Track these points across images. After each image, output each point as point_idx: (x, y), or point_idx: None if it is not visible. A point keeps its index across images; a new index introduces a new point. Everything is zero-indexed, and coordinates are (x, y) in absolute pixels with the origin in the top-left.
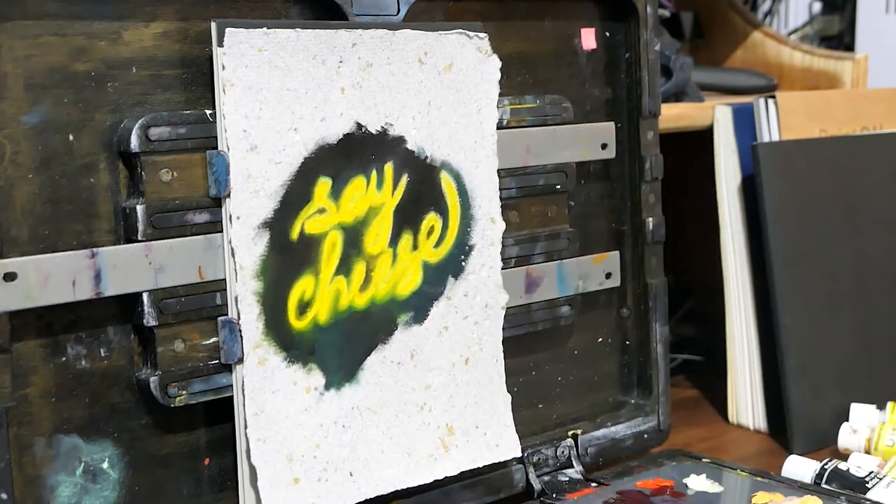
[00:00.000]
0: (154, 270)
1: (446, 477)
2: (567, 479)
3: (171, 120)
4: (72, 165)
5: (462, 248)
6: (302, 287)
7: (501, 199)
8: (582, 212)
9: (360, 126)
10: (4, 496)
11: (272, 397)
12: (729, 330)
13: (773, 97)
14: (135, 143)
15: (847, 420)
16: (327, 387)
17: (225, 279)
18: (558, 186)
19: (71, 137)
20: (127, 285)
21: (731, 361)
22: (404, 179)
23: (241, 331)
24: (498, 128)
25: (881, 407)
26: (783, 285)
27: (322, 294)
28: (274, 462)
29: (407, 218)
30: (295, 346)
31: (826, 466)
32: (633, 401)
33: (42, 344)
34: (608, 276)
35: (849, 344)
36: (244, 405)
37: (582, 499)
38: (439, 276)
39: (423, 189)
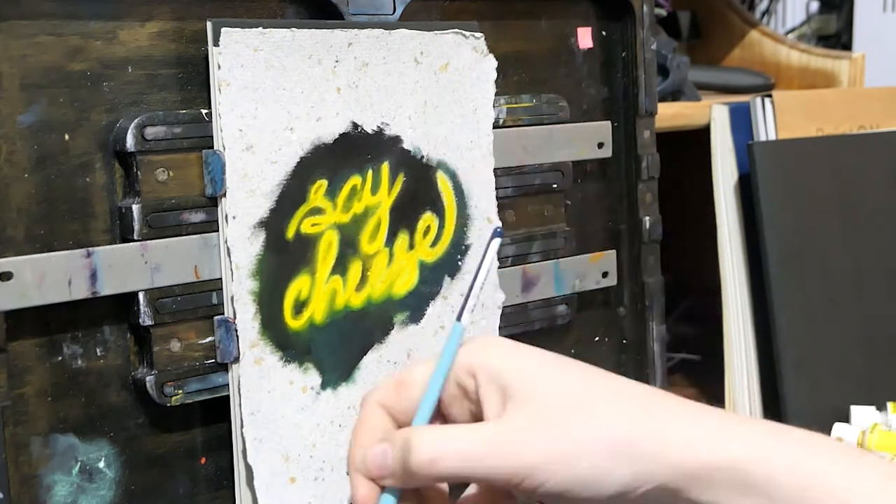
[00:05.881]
0: (150, 270)
1: None
2: None
3: (167, 119)
4: (67, 165)
5: (458, 248)
6: (298, 286)
7: (498, 198)
8: (578, 211)
9: (356, 126)
10: (1, 495)
11: (268, 397)
12: (726, 329)
13: (770, 96)
14: (130, 142)
15: (845, 420)
16: (323, 386)
17: (221, 279)
18: (555, 185)
19: (67, 137)
20: (123, 285)
21: (728, 360)
22: (400, 179)
23: (237, 330)
24: (494, 127)
25: (881, 407)
26: (780, 284)
27: (318, 293)
28: (270, 461)
29: (403, 217)
30: (291, 346)
31: None
32: None
33: (38, 343)
34: (605, 275)
35: (846, 342)
36: (240, 404)
37: None
38: (435, 276)
39: (420, 189)
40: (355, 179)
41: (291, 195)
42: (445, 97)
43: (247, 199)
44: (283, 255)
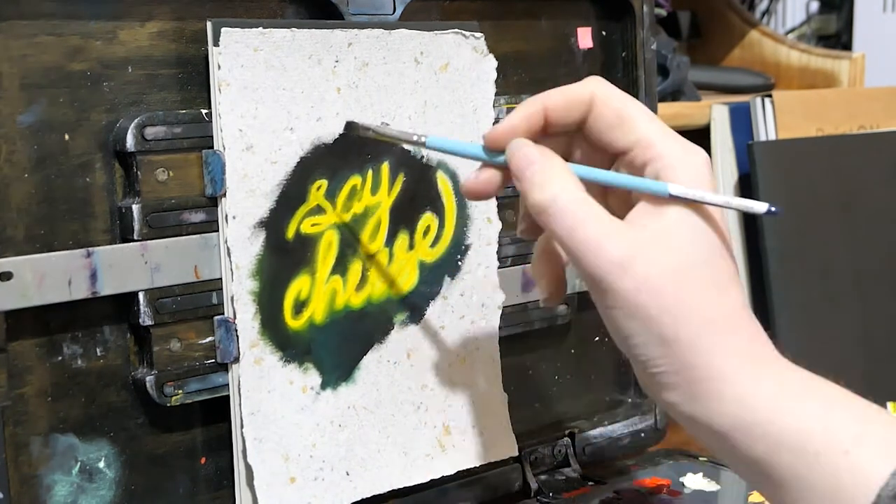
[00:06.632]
0: (150, 270)
1: (443, 476)
2: (564, 478)
3: (167, 119)
4: (67, 165)
5: (458, 248)
6: (298, 286)
7: (498, 198)
8: None
9: None
10: (1, 495)
11: (268, 397)
12: None
13: (770, 96)
14: (130, 142)
15: None
16: (323, 386)
17: (221, 279)
18: None
19: (66, 137)
20: (123, 285)
21: None
22: (400, 179)
23: (237, 330)
24: None
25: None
26: (780, 284)
27: (318, 293)
28: (270, 461)
29: (403, 217)
30: (291, 346)
31: None
32: (630, 399)
33: (38, 343)
34: None
35: (846, 343)
36: (240, 404)
37: (579, 498)
38: (435, 276)
39: (419, 189)
40: (355, 179)
41: (291, 195)
42: (445, 97)
43: (247, 199)
44: (283, 255)
